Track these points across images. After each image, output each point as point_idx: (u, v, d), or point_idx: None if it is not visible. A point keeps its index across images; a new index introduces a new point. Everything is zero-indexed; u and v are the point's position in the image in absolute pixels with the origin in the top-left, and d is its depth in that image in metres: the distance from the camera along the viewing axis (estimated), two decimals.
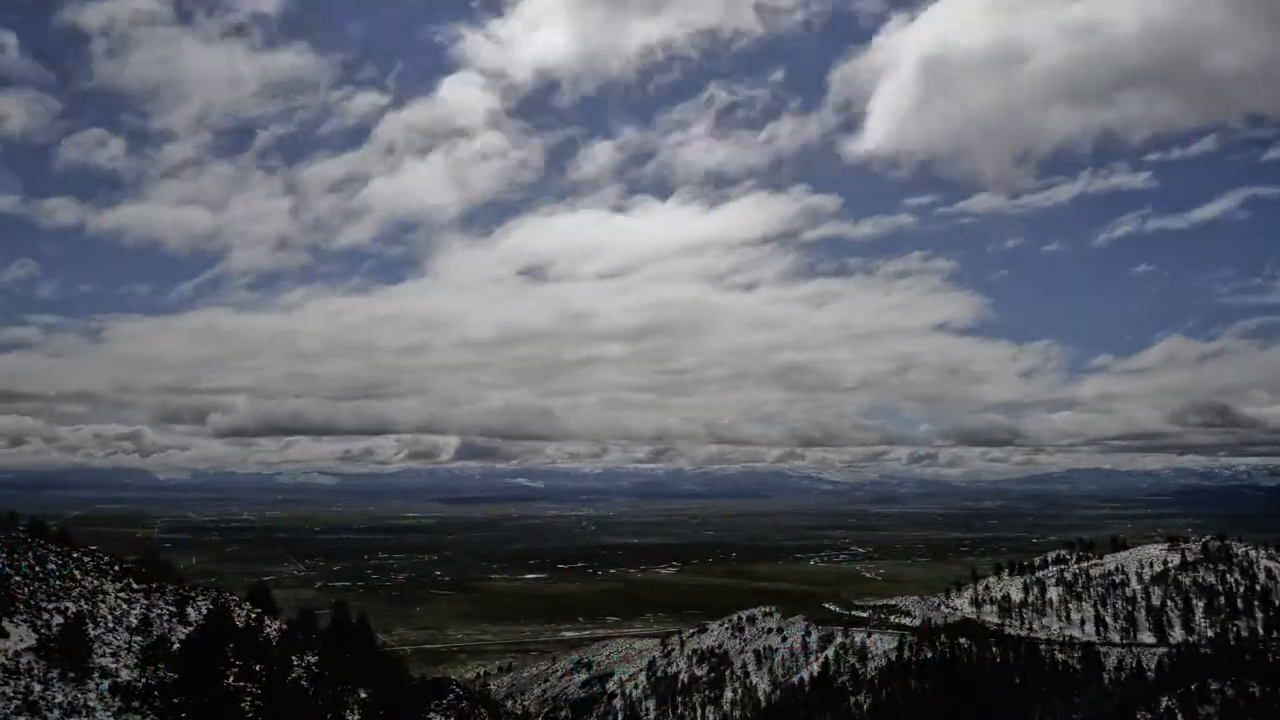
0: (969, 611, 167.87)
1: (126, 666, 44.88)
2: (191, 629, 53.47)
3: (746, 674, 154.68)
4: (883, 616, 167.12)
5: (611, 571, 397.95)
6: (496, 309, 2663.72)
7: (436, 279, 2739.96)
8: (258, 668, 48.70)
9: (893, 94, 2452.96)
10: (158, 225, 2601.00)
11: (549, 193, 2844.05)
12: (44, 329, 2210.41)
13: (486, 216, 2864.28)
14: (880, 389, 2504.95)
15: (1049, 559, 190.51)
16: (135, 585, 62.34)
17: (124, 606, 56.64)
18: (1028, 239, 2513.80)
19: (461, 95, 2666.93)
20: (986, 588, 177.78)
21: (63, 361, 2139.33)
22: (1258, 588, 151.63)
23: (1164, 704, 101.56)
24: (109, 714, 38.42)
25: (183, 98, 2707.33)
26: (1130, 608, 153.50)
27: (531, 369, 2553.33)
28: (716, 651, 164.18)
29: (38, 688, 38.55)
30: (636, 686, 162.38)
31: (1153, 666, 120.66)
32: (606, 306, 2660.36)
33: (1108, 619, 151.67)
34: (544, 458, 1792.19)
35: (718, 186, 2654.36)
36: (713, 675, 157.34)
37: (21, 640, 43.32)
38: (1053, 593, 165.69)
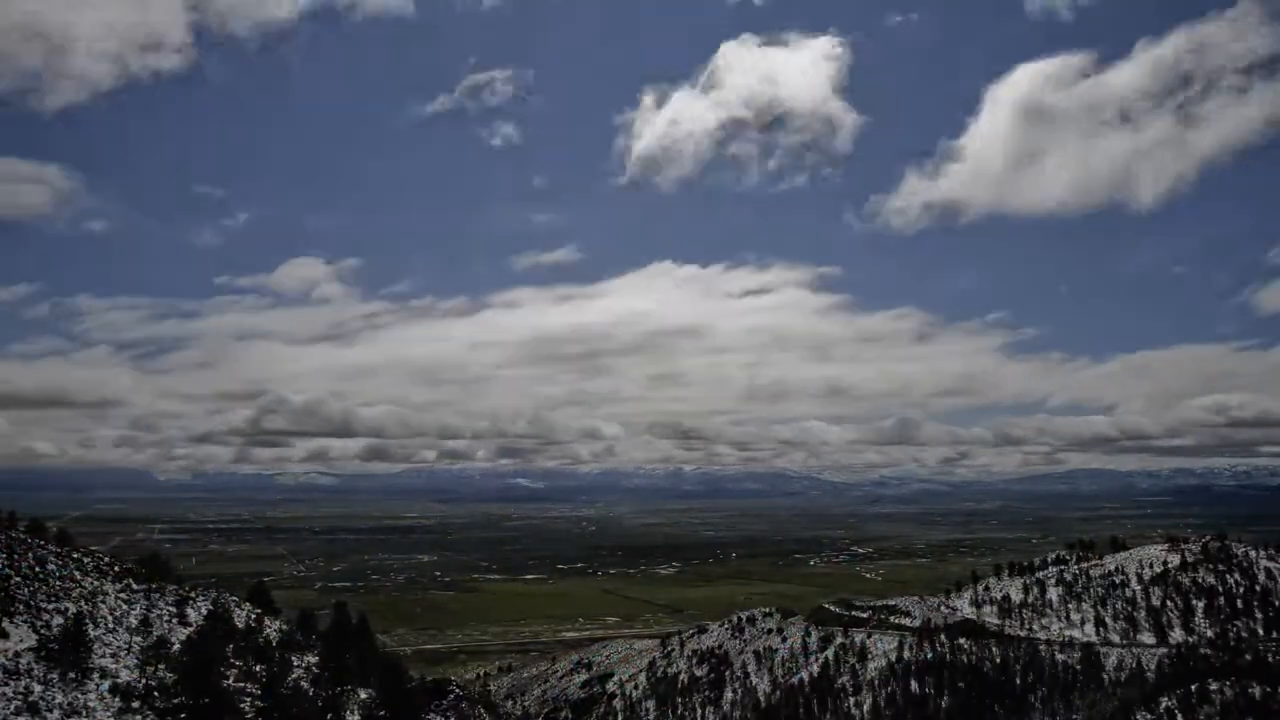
0: (969, 612, 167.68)
1: (126, 667, 44.88)
2: (191, 629, 53.51)
3: (746, 675, 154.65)
4: (883, 617, 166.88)
5: (611, 572, 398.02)
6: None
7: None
8: (258, 668, 48.76)
9: None
10: None
11: None
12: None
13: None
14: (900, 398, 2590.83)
15: (1049, 559, 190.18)
16: (135, 585, 62.32)
17: (124, 607, 56.62)
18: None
19: None
20: (986, 588, 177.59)
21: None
22: (1258, 588, 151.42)
23: (1164, 704, 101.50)
24: (109, 715, 38.41)
25: None
26: (1130, 608, 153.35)
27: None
28: (716, 652, 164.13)
29: (38, 688, 38.55)
30: (636, 687, 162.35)
31: (1153, 667, 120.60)
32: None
33: (1108, 619, 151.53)
34: (563, 459, 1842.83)
35: None
36: (713, 676, 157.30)
37: (21, 641, 43.33)
38: (1053, 593, 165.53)
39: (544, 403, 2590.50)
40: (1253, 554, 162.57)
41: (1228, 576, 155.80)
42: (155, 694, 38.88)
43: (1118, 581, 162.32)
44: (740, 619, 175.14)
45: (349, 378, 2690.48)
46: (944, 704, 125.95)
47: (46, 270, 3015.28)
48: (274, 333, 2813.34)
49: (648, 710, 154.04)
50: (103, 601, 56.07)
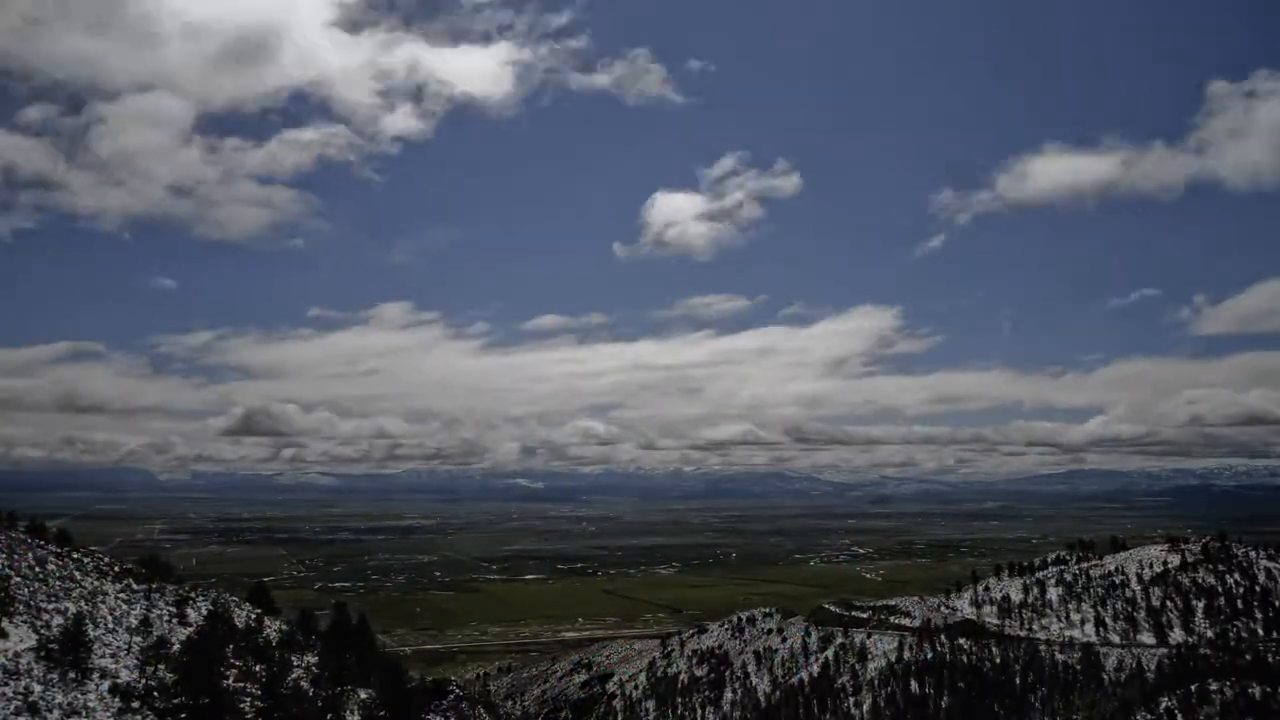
0: (969, 612, 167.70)
1: (126, 667, 44.85)
2: (191, 629, 53.48)
3: (746, 675, 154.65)
4: (883, 617, 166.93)
5: (611, 572, 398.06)
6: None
7: None
8: (258, 668, 48.74)
9: None
10: None
11: None
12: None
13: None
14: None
15: (1049, 559, 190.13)
16: (135, 586, 62.35)
17: (124, 607, 56.62)
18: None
19: None
20: (986, 588, 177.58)
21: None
22: (1258, 588, 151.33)
23: (1164, 705, 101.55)
24: (109, 715, 38.39)
25: None
26: (1130, 608, 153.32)
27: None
28: (716, 652, 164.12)
29: (38, 689, 38.53)
30: (636, 687, 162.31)
31: (1152, 667, 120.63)
32: None
33: (1108, 620, 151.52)
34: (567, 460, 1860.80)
35: None
36: (713, 676, 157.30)
37: (21, 641, 43.32)
38: (1053, 593, 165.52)
39: (563, 409, 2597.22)
40: (1253, 554, 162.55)
41: (1228, 577, 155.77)
42: (155, 694, 38.87)
43: (1118, 582, 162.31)
44: (740, 619, 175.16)
45: (391, 388, 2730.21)
46: (944, 704, 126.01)
47: (207, 305, 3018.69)
48: (343, 353, 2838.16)
49: (647, 710, 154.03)
50: (103, 601, 56.08)
